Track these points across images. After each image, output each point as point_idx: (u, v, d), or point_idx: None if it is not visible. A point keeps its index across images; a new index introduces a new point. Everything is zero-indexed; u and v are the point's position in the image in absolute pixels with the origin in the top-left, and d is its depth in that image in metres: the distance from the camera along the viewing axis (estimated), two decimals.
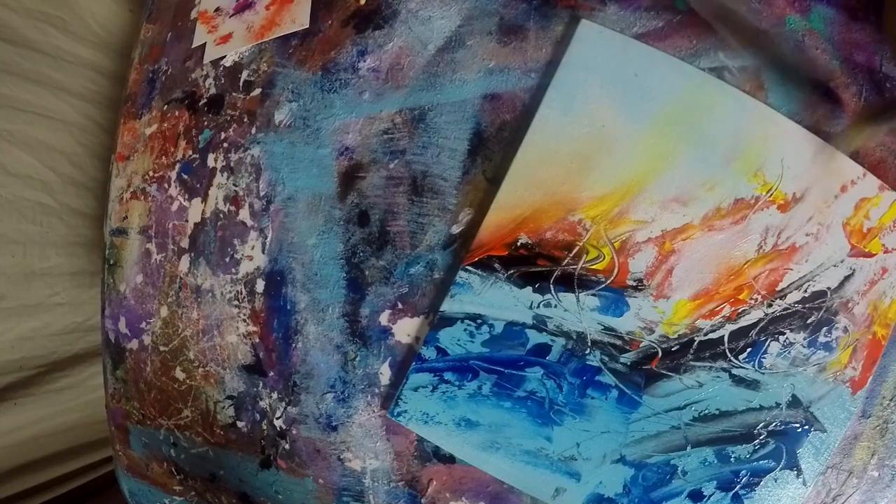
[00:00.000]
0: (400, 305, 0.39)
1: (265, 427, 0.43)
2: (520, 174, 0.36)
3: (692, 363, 0.37)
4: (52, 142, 0.65)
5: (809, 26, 0.36)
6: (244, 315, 0.43)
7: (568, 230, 0.36)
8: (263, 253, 0.42)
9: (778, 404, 0.37)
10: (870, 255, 0.36)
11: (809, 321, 0.36)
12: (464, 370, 0.38)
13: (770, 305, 0.36)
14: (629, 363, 0.37)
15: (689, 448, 0.37)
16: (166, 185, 0.45)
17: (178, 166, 0.45)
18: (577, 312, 0.37)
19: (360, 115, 0.40)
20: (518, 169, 0.36)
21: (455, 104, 0.38)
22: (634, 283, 0.36)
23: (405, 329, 0.39)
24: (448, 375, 0.38)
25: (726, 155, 0.36)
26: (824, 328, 0.37)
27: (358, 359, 0.40)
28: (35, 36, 0.62)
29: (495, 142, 0.38)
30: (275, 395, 0.42)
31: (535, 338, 0.37)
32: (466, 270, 0.37)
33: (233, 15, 0.45)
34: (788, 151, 0.36)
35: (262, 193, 0.42)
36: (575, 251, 0.36)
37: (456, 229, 0.38)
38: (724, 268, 0.36)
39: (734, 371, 0.37)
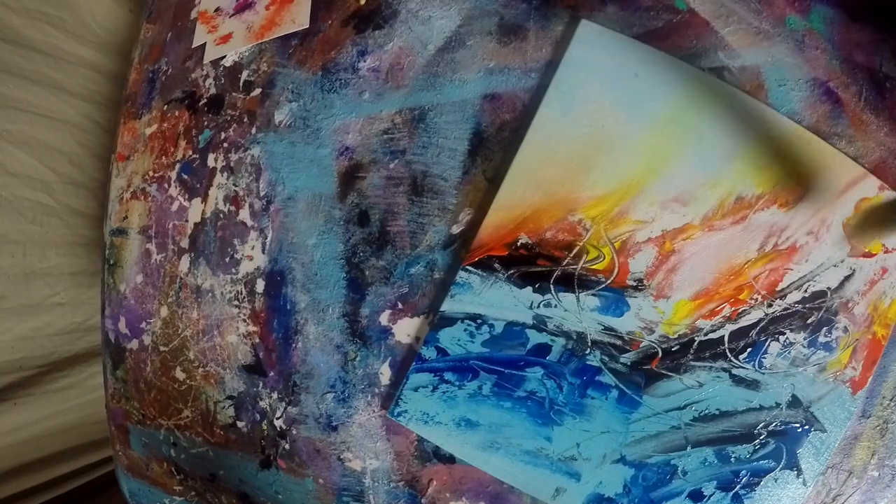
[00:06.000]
0: (400, 305, 0.39)
1: (265, 427, 0.43)
2: (520, 174, 0.36)
3: (692, 363, 0.37)
4: (52, 142, 0.65)
5: (809, 26, 0.36)
6: (244, 315, 0.43)
7: (568, 230, 0.36)
8: (263, 253, 0.42)
9: (778, 404, 0.37)
10: (870, 255, 0.36)
11: (809, 321, 0.36)
12: (464, 370, 0.38)
13: (770, 305, 0.36)
14: (629, 363, 0.37)
15: (689, 448, 0.37)
16: (166, 185, 0.45)
17: (178, 166, 0.45)
18: (578, 312, 0.37)
19: (360, 115, 0.40)
20: (518, 169, 0.36)
21: (455, 104, 0.38)
22: (634, 283, 0.36)
23: (405, 329, 0.39)
24: (448, 375, 0.38)
25: (726, 155, 0.36)
26: (824, 328, 0.37)
27: (358, 359, 0.40)
28: (35, 36, 0.62)
29: (495, 142, 0.38)
30: (275, 395, 0.42)
31: (535, 338, 0.37)
32: (466, 270, 0.37)
33: (233, 15, 0.45)
34: (788, 151, 0.36)
35: (262, 193, 0.42)
36: (575, 251, 0.36)
37: (456, 229, 0.38)
38: (725, 268, 0.36)
39: (734, 371, 0.37)
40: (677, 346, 0.37)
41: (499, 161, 0.37)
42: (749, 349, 0.37)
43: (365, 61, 0.40)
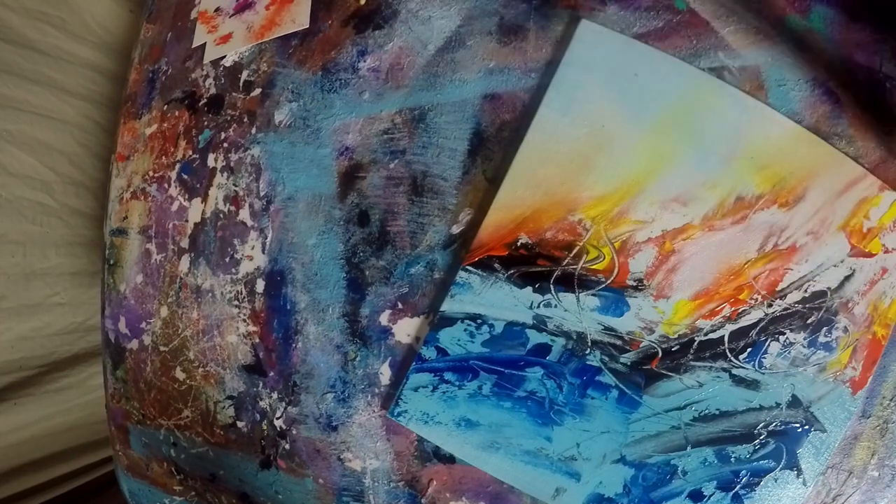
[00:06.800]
0: (400, 305, 0.39)
1: (265, 427, 0.43)
2: (520, 174, 0.36)
3: (692, 363, 0.37)
4: (52, 142, 0.65)
5: (809, 26, 0.36)
6: (244, 315, 0.43)
7: (568, 230, 0.36)
8: (263, 253, 0.42)
9: (778, 404, 0.37)
10: (870, 255, 0.36)
11: (809, 321, 0.36)
12: (464, 370, 0.38)
13: (770, 305, 0.36)
14: (629, 363, 0.37)
15: (689, 448, 0.37)
16: (166, 185, 0.45)
17: (178, 166, 0.45)
18: (578, 312, 0.37)
19: (360, 115, 0.40)
20: (518, 169, 0.36)
21: (455, 104, 0.38)
22: (634, 283, 0.36)
23: (405, 329, 0.39)
24: (448, 375, 0.38)
25: (726, 155, 0.36)
26: (824, 328, 0.37)
27: (358, 359, 0.40)
28: (35, 36, 0.62)
29: (495, 142, 0.38)
30: (275, 395, 0.42)
31: (535, 338, 0.37)
32: (466, 270, 0.37)
33: (233, 15, 0.45)
34: (788, 152, 0.36)
35: (262, 193, 0.42)
36: (575, 251, 0.36)
37: (456, 229, 0.38)
38: (725, 268, 0.36)
39: (734, 371, 0.37)
40: (677, 346, 0.37)
41: (499, 161, 0.37)
42: (749, 349, 0.37)
43: (365, 61, 0.40)
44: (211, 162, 0.44)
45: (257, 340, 0.42)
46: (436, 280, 0.38)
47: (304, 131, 0.41)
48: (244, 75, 0.43)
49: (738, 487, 0.37)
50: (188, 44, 0.46)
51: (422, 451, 0.40)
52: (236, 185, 0.43)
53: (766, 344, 0.36)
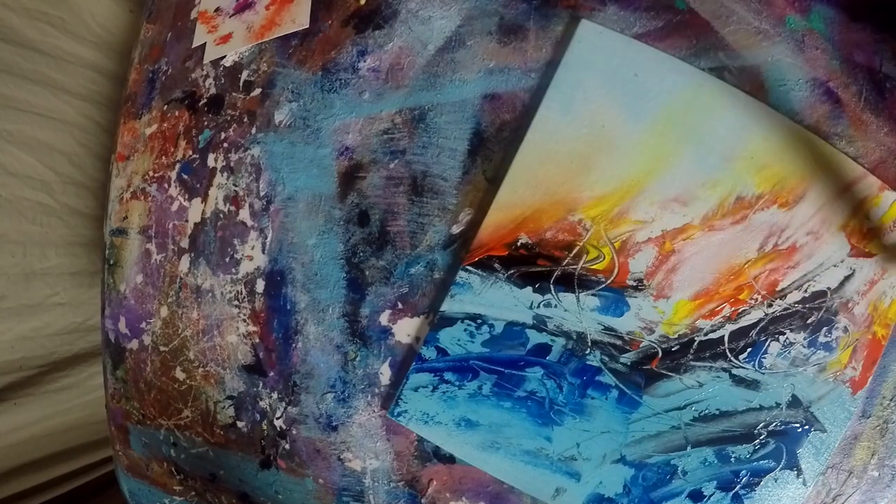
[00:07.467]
0: (400, 305, 0.39)
1: (265, 427, 0.43)
2: (520, 174, 0.36)
3: (692, 363, 0.37)
4: (52, 142, 0.65)
5: (809, 26, 0.36)
6: (244, 315, 0.43)
7: (568, 230, 0.36)
8: (263, 253, 0.42)
9: (778, 404, 0.37)
10: (870, 256, 0.36)
11: (809, 321, 0.36)
12: (464, 370, 0.38)
13: (770, 305, 0.36)
14: (629, 363, 0.37)
15: (689, 448, 0.37)
16: (166, 185, 0.45)
17: (178, 166, 0.45)
18: (578, 312, 0.37)
19: (360, 115, 0.40)
20: (518, 169, 0.36)
21: (455, 104, 0.38)
22: (634, 283, 0.36)
23: (405, 329, 0.39)
24: (448, 375, 0.38)
25: (726, 155, 0.36)
26: (824, 328, 0.37)
27: (358, 359, 0.40)
28: (35, 36, 0.62)
29: (495, 142, 0.38)
30: (275, 395, 0.42)
31: (535, 338, 0.37)
32: (466, 270, 0.37)
33: (233, 15, 0.45)
34: (788, 152, 0.36)
35: (262, 193, 0.42)
36: (575, 251, 0.36)
37: (456, 229, 0.38)
38: (725, 268, 0.36)
39: (734, 371, 0.37)
40: (677, 346, 0.37)
41: (499, 161, 0.37)
42: (749, 349, 0.37)
43: (365, 61, 0.40)
44: (211, 162, 0.44)
45: (257, 340, 0.42)
46: (436, 280, 0.38)
47: (304, 131, 0.41)
48: (244, 75, 0.43)
49: (738, 487, 0.37)
50: (188, 44, 0.46)
51: (422, 451, 0.40)
52: (236, 185, 0.43)
53: (766, 344, 0.36)
